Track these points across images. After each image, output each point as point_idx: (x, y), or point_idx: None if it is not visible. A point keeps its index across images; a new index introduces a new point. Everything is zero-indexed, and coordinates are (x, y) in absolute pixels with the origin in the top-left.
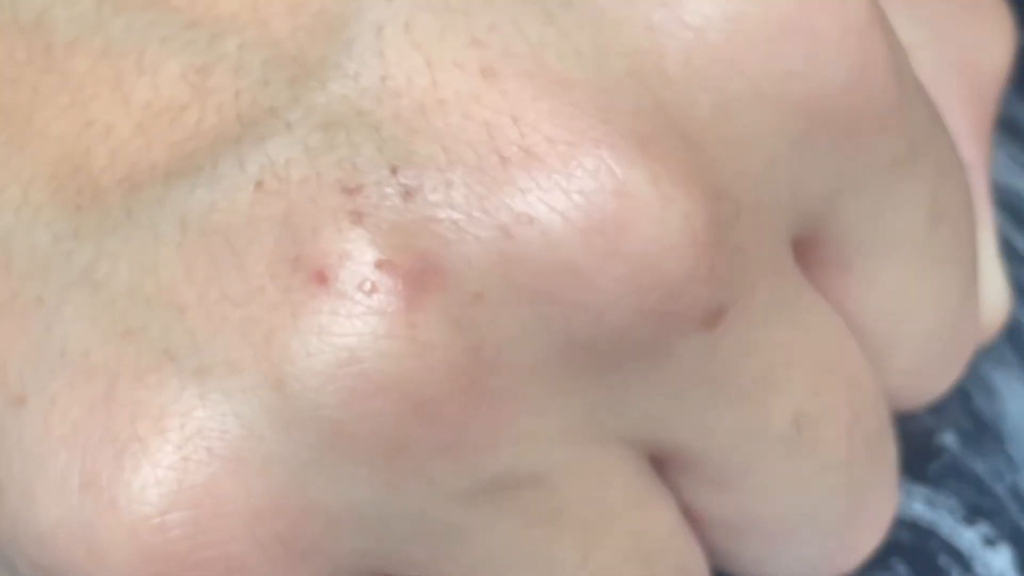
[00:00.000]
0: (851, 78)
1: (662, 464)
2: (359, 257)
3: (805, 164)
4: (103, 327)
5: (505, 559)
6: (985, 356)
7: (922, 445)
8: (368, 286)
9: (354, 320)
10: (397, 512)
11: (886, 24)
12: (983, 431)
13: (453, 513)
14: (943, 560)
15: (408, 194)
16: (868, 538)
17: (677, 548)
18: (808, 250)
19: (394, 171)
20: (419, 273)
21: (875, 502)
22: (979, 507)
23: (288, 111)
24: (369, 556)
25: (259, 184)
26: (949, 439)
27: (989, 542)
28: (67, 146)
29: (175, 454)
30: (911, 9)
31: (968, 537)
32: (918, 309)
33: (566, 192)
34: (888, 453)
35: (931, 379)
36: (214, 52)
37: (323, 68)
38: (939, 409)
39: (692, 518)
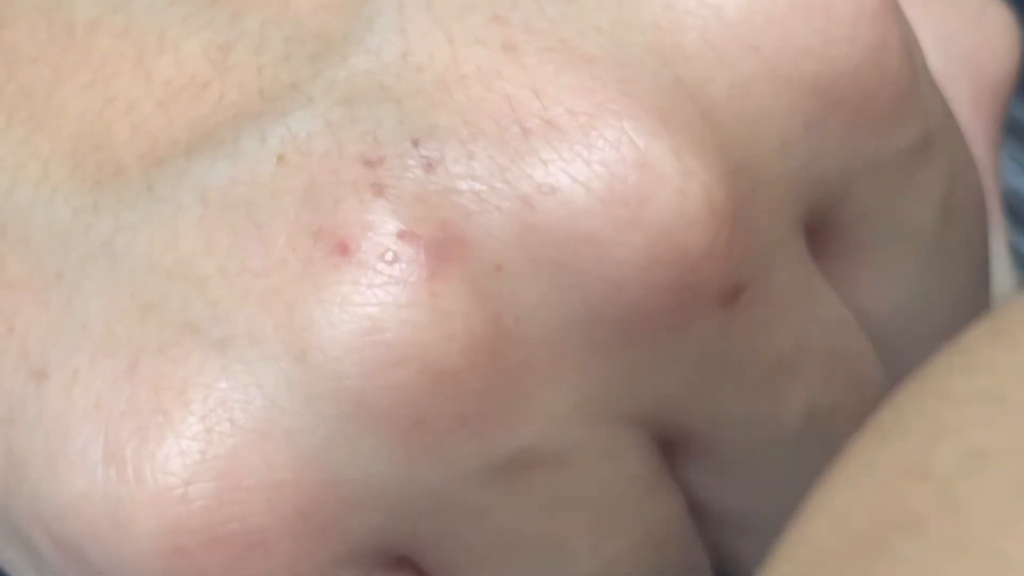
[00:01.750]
0: (865, 58)
1: (672, 451)
2: (381, 228)
3: (819, 146)
4: (124, 301)
5: (517, 542)
6: None
7: None
8: (390, 256)
9: (376, 290)
10: (415, 488)
11: (899, 10)
12: None
13: (469, 491)
14: None
15: (430, 166)
16: None
17: (683, 541)
18: (820, 240)
19: (416, 143)
20: (441, 243)
21: None
22: None
23: (310, 86)
24: (384, 533)
25: (281, 157)
26: None
27: None
28: (88, 123)
29: (198, 425)
30: (918, 14)
31: None
32: (929, 309)
33: (588, 163)
34: None
35: None
36: (236, 30)
37: (345, 44)
38: None
39: (696, 513)
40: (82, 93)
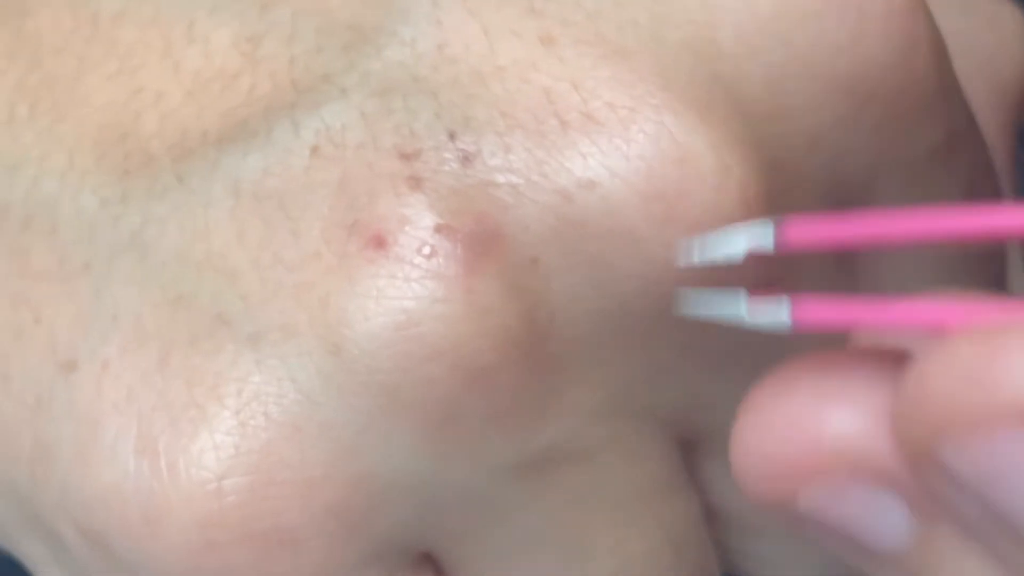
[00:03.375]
0: (895, 58)
1: (692, 450)
2: (418, 222)
3: (846, 144)
4: (154, 293)
5: (540, 540)
6: None
7: None
8: (427, 250)
9: (412, 284)
10: (444, 484)
11: (928, 10)
12: None
13: (497, 487)
14: None
15: (466, 159)
16: None
17: (699, 542)
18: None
19: (452, 136)
20: (477, 238)
21: None
22: None
23: (343, 77)
24: (411, 530)
25: (315, 149)
26: None
27: None
28: (114, 113)
29: (233, 419)
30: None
31: None
32: None
33: (627, 157)
34: None
35: None
36: (266, 21)
37: (378, 35)
38: None
39: (710, 515)
40: (108, 84)
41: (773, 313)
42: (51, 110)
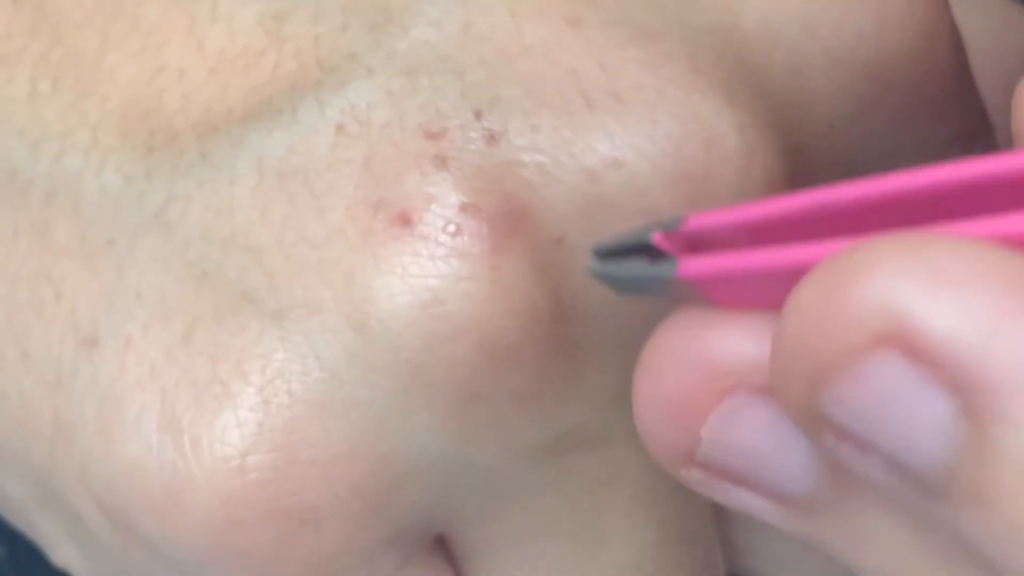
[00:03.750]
0: (916, 46)
1: None
2: (444, 200)
3: (864, 133)
4: (178, 269)
5: (556, 525)
6: None
7: None
8: (452, 228)
9: (437, 262)
10: (466, 466)
11: (948, 4)
12: None
13: (518, 470)
14: None
15: (492, 138)
16: None
17: (708, 537)
18: None
19: (478, 115)
20: (504, 216)
21: None
22: None
23: (369, 56)
24: (430, 511)
25: (340, 128)
26: None
27: None
28: (138, 90)
29: (256, 396)
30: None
31: None
32: None
33: (654, 138)
34: None
35: None
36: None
37: (405, 15)
38: None
39: (717, 510)
40: (131, 61)
41: (665, 269)
42: (74, 86)
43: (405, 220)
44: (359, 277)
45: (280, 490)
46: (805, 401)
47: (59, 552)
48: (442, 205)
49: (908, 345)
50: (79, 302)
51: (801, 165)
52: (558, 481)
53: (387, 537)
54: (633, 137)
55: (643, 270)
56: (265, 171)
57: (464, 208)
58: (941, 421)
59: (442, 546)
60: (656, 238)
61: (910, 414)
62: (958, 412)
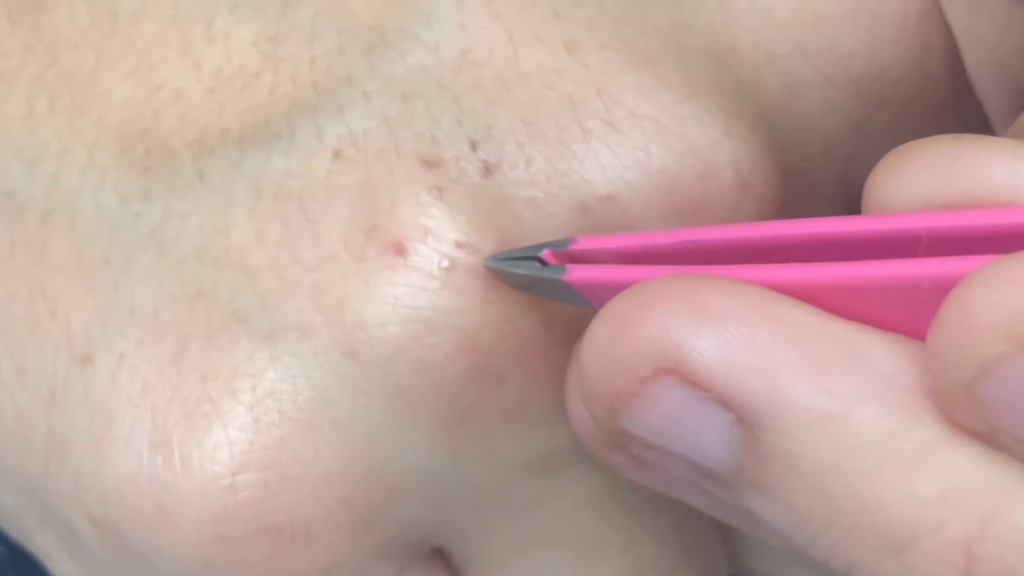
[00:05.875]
0: (909, 63)
1: None
2: (440, 234)
3: (859, 149)
4: (172, 288)
5: (552, 538)
6: None
7: None
8: (447, 264)
9: (430, 295)
10: (457, 481)
11: (942, 15)
12: None
13: (509, 485)
14: None
15: (488, 170)
16: None
17: (709, 543)
18: None
19: (474, 146)
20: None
21: None
22: None
23: (366, 80)
24: (423, 525)
25: (337, 153)
26: None
27: None
28: (134, 109)
29: (247, 415)
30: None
31: None
32: None
33: (648, 172)
34: None
35: None
36: (287, 21)
37: (401, 39)
38: None
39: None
40: (127, 80)
41: (553, 271)
42: (71, 105)
43: (399, 249)
44: (351, 303)
45: (271, 507)
46: (610, 423)
47: (56, 564)
48: (438, 239)
49: (682, 373)
50: (73, 319)
51: (795, 189)
52: (552, 495)
53: (380, 550)
54: (627, 171)
55: (536, 270)
56: (262, 193)
57: (460, 245)
58: (721, 431)
59: (440, 555)
60: (546, 253)
61: (696, 428)
62: (734, 422)
